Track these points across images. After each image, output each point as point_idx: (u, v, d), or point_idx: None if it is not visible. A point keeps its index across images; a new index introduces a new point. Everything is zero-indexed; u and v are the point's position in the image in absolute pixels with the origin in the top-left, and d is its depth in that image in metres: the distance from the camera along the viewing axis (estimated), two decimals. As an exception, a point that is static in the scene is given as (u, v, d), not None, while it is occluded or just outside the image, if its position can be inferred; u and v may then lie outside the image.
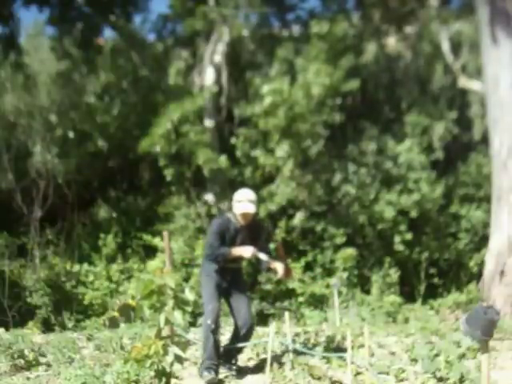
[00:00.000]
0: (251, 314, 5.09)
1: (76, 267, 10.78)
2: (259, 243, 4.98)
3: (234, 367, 5.02)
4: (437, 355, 4.98)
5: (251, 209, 4.87)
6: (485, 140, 10.68)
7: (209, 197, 5.28)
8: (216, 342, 4.73)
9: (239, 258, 4.99)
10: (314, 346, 5.67)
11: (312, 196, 11.97)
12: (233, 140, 12.33)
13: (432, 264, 11.88)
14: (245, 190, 5.09)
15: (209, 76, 13.48)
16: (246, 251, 4.84)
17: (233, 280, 5.02)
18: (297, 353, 5.07)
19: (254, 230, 5.03)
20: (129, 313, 7.30)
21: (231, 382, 4.70)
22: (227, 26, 13.12)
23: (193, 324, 8.31)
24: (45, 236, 10.89)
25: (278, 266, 4.87)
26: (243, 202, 4.89)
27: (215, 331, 4.71)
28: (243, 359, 5.43)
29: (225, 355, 4.99)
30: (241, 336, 4.94)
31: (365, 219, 11.98)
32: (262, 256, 4.88)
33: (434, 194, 12.03)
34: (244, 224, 4.93)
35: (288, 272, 5.02)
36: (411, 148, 12.45)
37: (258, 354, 5.47)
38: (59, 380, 4.66)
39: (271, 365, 4.73)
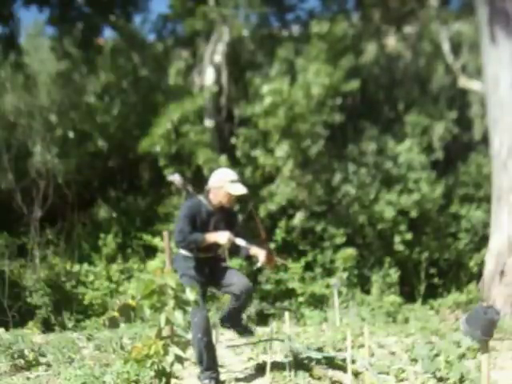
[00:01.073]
0: (246, 278, 4.57)
1: (76, 267, 10.79)
2: (234, 228, 4.50)
3: (245, 327, 4.77)
4: (437, 355, 4.98)
5: (245, 190, 4.44)
6: (485, 140, 10.69)
7: (175, 177, 4.66)
8: (212, 353, 4.38)
9: (214, 246, 4.43)
10: (314, 345, 5.67)
11: (312, 196, 11.98)
12: (233, 140, 12.35)
13: (432, 264, 11.89)
14: (226, 169, 4.72)
15: (209, 76, 13.49)
16: (221, 237, 4.32)
17: (211, 271, 4.51)
18: (297, 353, 5.06)
19: (228, 214, 4.56)
20: (129, 313, 7.31)
21: (231, 382, 4.69)
22: (227, 25, 13.13)
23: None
24: (45, 236, 10.90)
25: (259, 253, 4.42)
26: (237, 183, 4.42)
27: (209, 343, 4.33)
28: (243, 359, 5.43)
29: (230, 321, 4.67)
30: (242, 300, 4.49)
31: (365, 219, 11.99)
32: (240, 242, 4.40)
33: (433, 194, 12.05)
34: (218, 207, 4.46)
35: (270, 258, 4.49)
36: (411, 148, 12.47)
37: (257, 355, 5.47)
38: (59, 380, 4.66)
39: (271, 365, 4.73)
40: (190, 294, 3.55)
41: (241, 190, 4.41)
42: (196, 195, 4.54)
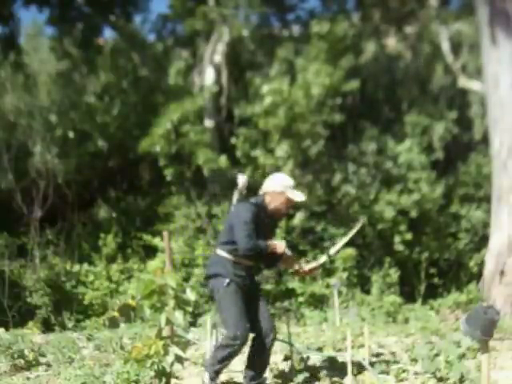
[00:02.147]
0: (272, 320, 4.33)
1: (76, 267, 10.78)
2: (274, 235, 4.35)
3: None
4: (437, 355, 4.97)
5: (304, 197, 4.27)
6: (485, 140, 10.69)
7: (243, 178, 4.43)
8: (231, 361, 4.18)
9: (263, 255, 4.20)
10: (314, 345, 5.67)
11: (312, 196, 11.97)
12: (233, 140, 12.34)
13: (432, 264, 11.88)
14: (283, 174, 4.50)
15: (209, 76, 13.49)
16: (279, 245, 4.11)
17: (251, 282, 4.23)
18: (297, 353, 5.06)
19: (273, 221, 4.41)
20: (129, 313, 7.31)
21: (231, 382, 4.69)
22: (227, 26, 13.12)
23: (193, 324, 8.32)
24: (45, 236, 10.89)
25: (303, 264, 4.38)
26: (296, 190, 4.22)
27: (236, 354, 4.09)
28: (243, 359, 5.42)
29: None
30: (266, 346, 4.14)
31: (365, 219, 11.98)
32: (288, 251, 4.27)
33: (434, 194, 12.04)
34: (271, 213, 4.23)
35: (310, 272, 4.46)
36: (411, 148, 12.46)
37: (258, 354, 5.46)
38: (59, 380, 4.66)
39: (271, 365, 4.72)
40: (191, 295, 3.55)
41: (301, 196, 4.24)
42: (253, 199, 4.28)
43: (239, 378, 4.72)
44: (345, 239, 4.72)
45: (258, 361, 4.19)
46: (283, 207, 4.22)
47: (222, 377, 4.60)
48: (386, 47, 15.44)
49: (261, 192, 4.26)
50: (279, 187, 4.18)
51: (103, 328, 7.69)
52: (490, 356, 4.44)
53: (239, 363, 5.25)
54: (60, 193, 11.49)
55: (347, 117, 12.29)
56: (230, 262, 4.07)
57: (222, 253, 4.13)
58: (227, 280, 4.00)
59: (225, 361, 4.05)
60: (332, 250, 4.65)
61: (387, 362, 4.98)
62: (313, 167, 12.21)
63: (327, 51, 11.92)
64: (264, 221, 4.19)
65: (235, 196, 4.32)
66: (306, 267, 4.41)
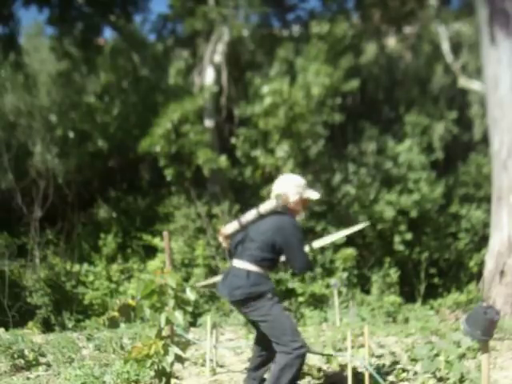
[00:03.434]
0: None
1: (76, 267, 10.79)
2: None
3: None
4: (437, 355, 4.97)
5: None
6: (485, 140, 10.69)
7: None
8: None
9: None
10: (314, 345, 5.66)
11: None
12: (233, 140, 12.34)
13: (432, 264, 11.90)
14: (292, 174, 4.23)
15: (209, 76, 13.49)
16: None
17: None
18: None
19: None
20: (129, 313, 7.31)
21: (231, 382, 4.69)
22: (227, 26, 13.13)
23: (193, 324, 8.31)
24: (45, 236, 10.91)
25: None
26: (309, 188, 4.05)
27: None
28: (243, 359, 5.43)
29: None
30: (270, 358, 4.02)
31: (365, 219, 11.98)
32: None
33: (433, 194, 12.05)
34: None
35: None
36: (411, 148, 12.47)
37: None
38: (59, 380, 4.66)
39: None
40: (191, 294, 3.55)
41: (316, 194, 4.07)
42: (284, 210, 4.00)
43: (239, 378, 4.72)
44: (337, 236, 4.59)
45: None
46: (300, 209, 4.07)
47: (223, 377, 4.60)
48: (385, 47, 15.44)
49: (275, 196, 3.96)
50: (297, 189, 3.95)
51: (103, 328, 7.69)
52: (490, 356, 4.44)
53: (239, 363, 5.26)
54: (60, 193, 11.51)
55: (347, 117, 12.30)
56: (267, 276, 3.86)
57: (259, 269, 3.81)
58: (270, 294, 3.79)
59: (298, 375, 3.74)
60: (318, 243, 4.52)
61: (387, 362, 4.98)
62: (313, 167, 12.22)
63: (327, 51, 11.94)
64: None
65: (268, 206, 4.04)
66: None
